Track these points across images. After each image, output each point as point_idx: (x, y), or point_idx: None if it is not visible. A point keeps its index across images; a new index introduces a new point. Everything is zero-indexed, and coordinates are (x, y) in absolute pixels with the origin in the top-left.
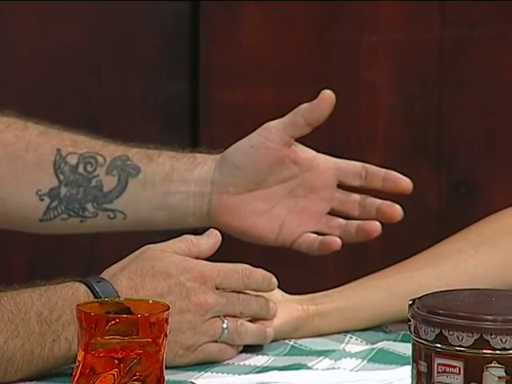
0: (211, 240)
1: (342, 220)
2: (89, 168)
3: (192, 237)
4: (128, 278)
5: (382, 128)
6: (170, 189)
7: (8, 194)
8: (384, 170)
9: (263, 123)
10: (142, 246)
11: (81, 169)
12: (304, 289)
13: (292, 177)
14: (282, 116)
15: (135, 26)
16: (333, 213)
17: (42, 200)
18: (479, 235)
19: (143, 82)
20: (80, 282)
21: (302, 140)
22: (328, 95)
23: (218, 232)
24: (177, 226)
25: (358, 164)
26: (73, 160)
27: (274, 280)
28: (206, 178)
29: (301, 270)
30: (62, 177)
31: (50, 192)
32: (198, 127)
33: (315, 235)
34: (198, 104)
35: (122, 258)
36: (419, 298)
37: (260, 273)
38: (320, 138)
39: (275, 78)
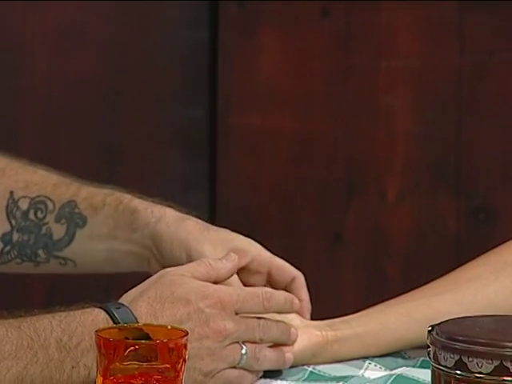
0: (229, 263)
1: None
2: (39, 214)
3: (211, 260)
4: (147, 304)
5: (401, 154)
6: (115, 245)
7: None
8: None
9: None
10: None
11: (31, 215)
12: (322, 315)
13: None
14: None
15: (154, 54)
16: None
17: None
18: (499, 261)
19: (162, 109)
20: (99, 307)
21: (321, 167)
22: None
23: (236, 256)
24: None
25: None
26: (24, 205)
27: (297, 301)
28: (146, 244)
29: (319, 296)
30: (14, 222)
31: (2, 237)
32: (216, 153)
33: None
34: (216, 130)
35: (140, 281)
36: (438, 324)
37: (281, 295)
38: (338, 165)
39: (293, 104)
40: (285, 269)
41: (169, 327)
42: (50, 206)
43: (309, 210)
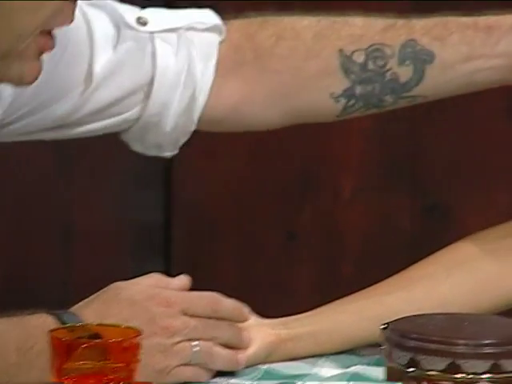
0: (179, 281)
1: None
2: (379, 62)
3: (161, 275)
4: (92, 310)
5: (356, 151)
6: (475, 67)
7: (300, 102)
8: None
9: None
10: (114, 271)
11: (370, 65)
12: (277, 313)
13: None
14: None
15: None
16: None
17: (337, 101)
18: (451, 259)
19: None
20: (47, 313)
21: (275, 165)
22: None
23: (187, 278)
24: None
25: None
26: (360, 57)
27: (245, 310)
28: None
29: (274, 294)
30: (353, 76)
31: (344, 93)
32: None
33: None
34: None
35: (96, 281)
36: (392, 322)
37: (229, 303)
38: (293, 162)
39: None
40: None
41: (122, 326)
42: (388, 51)
43: (264, 208)
